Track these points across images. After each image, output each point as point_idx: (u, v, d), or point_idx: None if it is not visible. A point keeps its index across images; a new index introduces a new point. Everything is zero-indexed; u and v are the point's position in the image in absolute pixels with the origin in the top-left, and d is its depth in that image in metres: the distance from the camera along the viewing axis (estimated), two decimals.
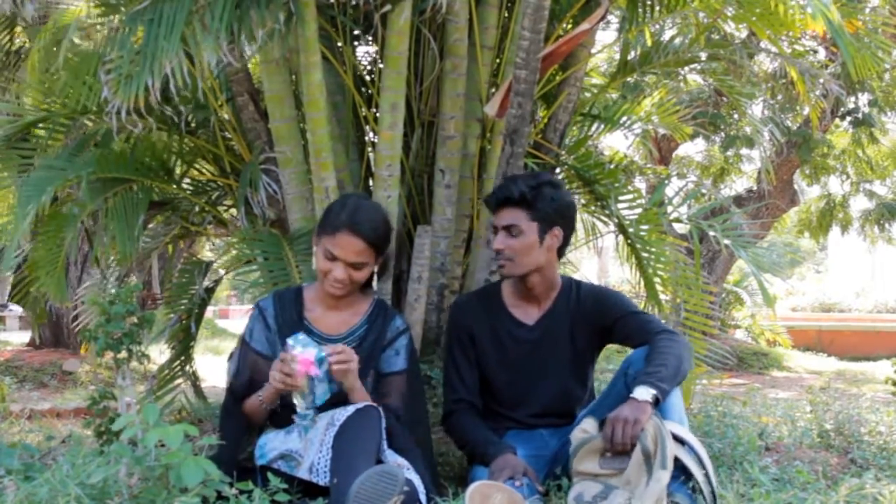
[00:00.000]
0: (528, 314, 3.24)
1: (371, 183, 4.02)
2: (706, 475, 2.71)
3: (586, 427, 2.83)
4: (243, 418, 3.05)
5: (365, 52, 4.44)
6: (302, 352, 2.79)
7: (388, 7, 3.57)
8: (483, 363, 3.24)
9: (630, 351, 3.12)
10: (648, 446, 2.63)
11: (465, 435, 3.14)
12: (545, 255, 3.14)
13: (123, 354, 3.23)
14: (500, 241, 3.11)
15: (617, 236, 4.46)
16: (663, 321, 3.14)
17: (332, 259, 2.98)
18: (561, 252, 3.21)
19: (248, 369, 3.08)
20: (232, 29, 3.08)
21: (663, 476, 2.57)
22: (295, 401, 2.87)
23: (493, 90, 4.07)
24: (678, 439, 2.73)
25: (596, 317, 3.19)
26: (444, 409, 3.27)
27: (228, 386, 3.15)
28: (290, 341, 2.83)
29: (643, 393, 2.73)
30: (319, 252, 3.02)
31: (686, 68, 5.21)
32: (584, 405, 3.24)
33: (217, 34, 3.01)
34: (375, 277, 3.22)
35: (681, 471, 2.69)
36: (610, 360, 5.93)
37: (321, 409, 2.88)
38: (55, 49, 4.36)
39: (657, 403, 2.74)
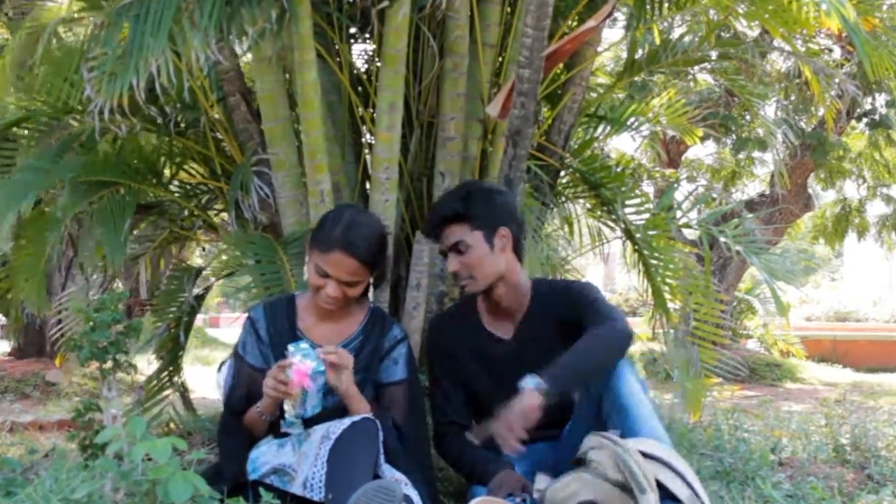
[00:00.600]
0: (504, 328, 3.22)
1: (368, 186, 4.01)
2: (693, 492, 2.67)
3: (539, 486, 2.83)
4: (244, 433, 3.05)
5: (362, 50, 4.45)
6: (300, 361, 2.80)
7: (385, 3, 3.57)
8: (469, 381, 3.23)
9: None
10: (615, 477, 2.60)
11: (460, 457, 3.14)
12: (503, 260, 3.11)
13: (109, 364, 3.22)
14: (452, 264, 3.10)
15: (624, 242, 4.46)
16: (620, 311, 3.08)
17: (325, 276, 2.98)
18: (518, 252, 3.18)
19: (244, 383, 3.08)
20: (222, 26, 3.08)
21: (648, 500, 2.54)
22: (285, 406, 2.88)
23: (495, 90, 4.08)
24: (658, 460, 2.70)
25: (567, 312, 3.12)
26: (434, 432, 3.26)
27: (225, 401, 3.15)
28: (290, 347, 2.84)
29: (529, 382, 2.74)
30: (311, 266, 3.01)
31: (696, 68, 5.23)
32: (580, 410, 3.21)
33: (206, 31, 3.01)
34: (371, 289, 3.20)
35: (668, 495, 2.65)
36: None
37: (315, 420, 2.88)
38: (36, 44, 4.35)
39: (549, 394, 2.72)
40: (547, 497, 2.72)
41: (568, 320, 3.13)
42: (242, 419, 3.05)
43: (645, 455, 2.67)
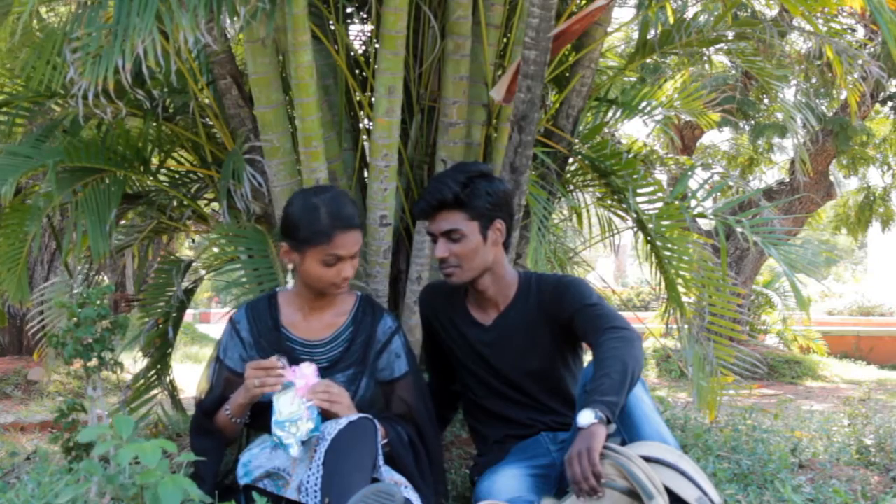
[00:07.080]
0: (486, 315, 3.27)
1: (366, 174, 4.02)
2: (702, 492, 2.66)
3: None
4: (218, 433, 3.06)
5: (359, 30, 4.44)
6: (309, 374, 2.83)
7: None
8: (456, 355, 3.31)
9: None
10: (622, 485, 2.60)
11: None
12: (492, 253, 3.16)
13: (94, 362, 3.23)
14: (442, 249, 3.12)
15: (635, 233, 4.46)
16: (619, 313, 3.08)
17: (337, 261, 2.99)
18: (506, 244, 3.23)
19: (222, 387, 3.10)
20: (212, 5, 3.07)
21: None
22: (281, 434, 2.82)
23: (500, 73, 4.07)
24: (661, 462, 2.69)
25: (554, 310, 3.16)
26: None
27: (198, 402, 3.15)
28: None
29: (586, 418, 2.66)
30: (314, 263, 3.00)
31: (711, 49, 5.20)
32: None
33: (195, 11, 3.00)
34: None
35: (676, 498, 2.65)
36: None
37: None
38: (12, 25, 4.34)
39: (610, 421, 2.69)
40: None
41: (554, 316, 3.15)
42: (214, 421, 3.06)
43: (648, 460, 2.67)
